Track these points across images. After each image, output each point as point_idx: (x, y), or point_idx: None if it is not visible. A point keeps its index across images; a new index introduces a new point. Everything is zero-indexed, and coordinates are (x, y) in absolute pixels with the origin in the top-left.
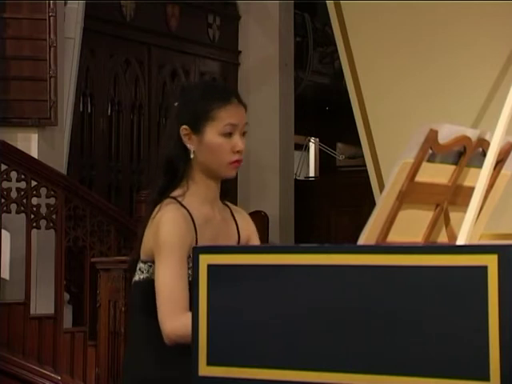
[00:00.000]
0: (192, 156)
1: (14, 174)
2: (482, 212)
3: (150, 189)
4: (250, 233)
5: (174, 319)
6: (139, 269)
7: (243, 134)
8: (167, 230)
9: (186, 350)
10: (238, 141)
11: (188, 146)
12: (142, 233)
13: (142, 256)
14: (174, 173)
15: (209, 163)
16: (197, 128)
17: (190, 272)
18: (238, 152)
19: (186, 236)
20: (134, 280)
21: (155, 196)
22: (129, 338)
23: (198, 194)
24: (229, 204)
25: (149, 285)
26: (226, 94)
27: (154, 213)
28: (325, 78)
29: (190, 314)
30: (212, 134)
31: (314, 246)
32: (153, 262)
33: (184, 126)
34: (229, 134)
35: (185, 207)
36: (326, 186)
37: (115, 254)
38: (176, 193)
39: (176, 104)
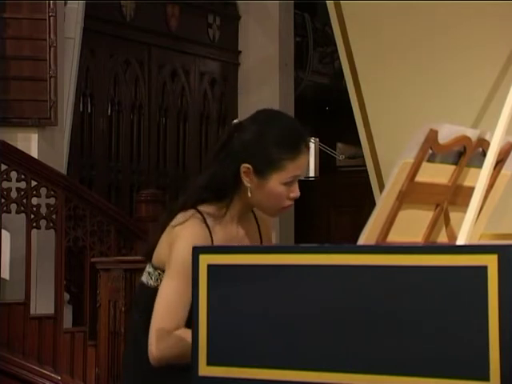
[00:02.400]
0: (250, 195)
1: (14, 174)
2: (482, 212)
3: (183, 194)
4: (268, 238)
5: (161, 341)
6: (148, 273)
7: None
8: (182, 247)
9: None
10: (296, 189)
11: (245, 182)
12: (159, 232)
13: (154, 260)
14: (217, 194)
15: (261, 204)
16: (261, 173)
17: None
18: (292, 198)
19: None
20: (141, 280)
21: (189, 203)
22: (128, 337)
23: (227, 218)
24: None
25: (155, 294)
26: (299, 142)
27: (176, 221)
28: (325, 78)
29: (177, 334)
30: (276, 182)
31: (314, 246)
32: (163, 271)
33: (247, 165)
34: (290, 183)
35: (208, 226)
36: (325, 185)
37: (115, 254)
38: (208, 209)
39: (237, 121)
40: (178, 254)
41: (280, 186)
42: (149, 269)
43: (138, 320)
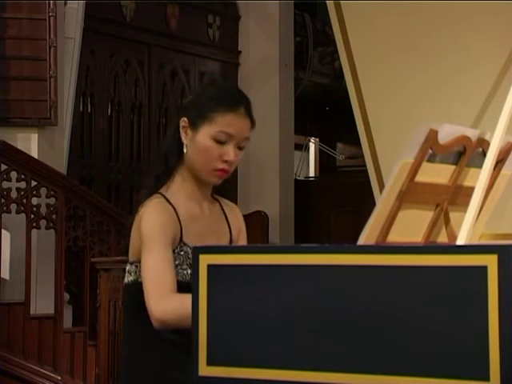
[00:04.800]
0: (185, 150)
1: (13, 174)
2: (482, 212)
3: (143, 187)
4: (239, 230)
5: (161, 302)
6: (127, 271)
7: (240, 147)
8: (149, 220)
9: (177, 352)
10: (229, 150)
11: (182, 138)
12: (129, 232)
13: (130, 257)
14: (166, 166)
15: (194, 163)
16: (194, 124)
17: (177, 262)
18: (226, 162)
19: (168, 224)
20: (124, 282)
21: (147, 194)
22: (122, 340)
23: (184, 191)
24: (218, 198)
25: (135, 287)
26: (235, 101)
27: (140, 210)
28: (325, 78)
29: (178, 296)
30: (204, 135)
31: (314, 246)
32: (139, 261)
33: (184, 118)
34: (221, 142)
35: (170, 202)
36: (325, 186)
37: (115, 254)
38: (163, 190)
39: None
40: (147, 228)
41: (209, 140)
42: (127, 267)
43: (127, 319)
